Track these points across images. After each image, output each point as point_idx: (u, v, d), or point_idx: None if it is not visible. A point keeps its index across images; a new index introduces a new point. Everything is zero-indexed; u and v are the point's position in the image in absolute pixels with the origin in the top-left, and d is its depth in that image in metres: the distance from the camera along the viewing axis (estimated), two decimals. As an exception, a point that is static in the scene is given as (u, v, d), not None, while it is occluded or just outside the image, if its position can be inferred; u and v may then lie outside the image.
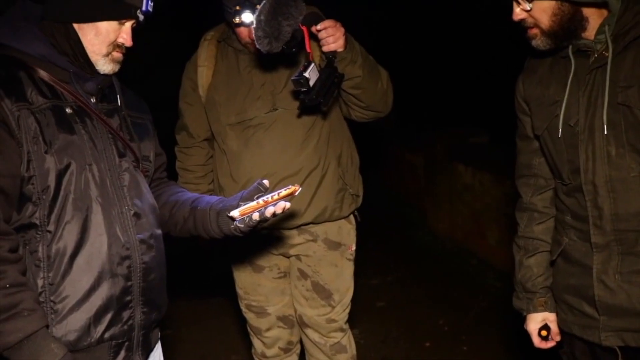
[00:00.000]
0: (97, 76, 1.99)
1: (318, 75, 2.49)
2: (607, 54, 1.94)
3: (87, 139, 1.92)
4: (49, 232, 1.84)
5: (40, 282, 1.83)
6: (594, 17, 1.96)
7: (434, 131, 7.00)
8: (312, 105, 2.55)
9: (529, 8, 1.97)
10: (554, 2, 1.94)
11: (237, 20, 2.67)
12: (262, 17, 2.32)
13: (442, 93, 8.79)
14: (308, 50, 2.53)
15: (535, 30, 2.01)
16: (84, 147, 1.91)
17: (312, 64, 2.48)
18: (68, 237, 1.85)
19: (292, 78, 2.49)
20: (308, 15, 2.47)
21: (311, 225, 2.94)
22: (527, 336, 2.37)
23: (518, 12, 2.00)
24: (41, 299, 1.83)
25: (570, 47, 2.03)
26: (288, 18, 2.35)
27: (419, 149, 7.40)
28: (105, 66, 1.97)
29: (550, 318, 2.29)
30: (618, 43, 1.93)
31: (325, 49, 2.58)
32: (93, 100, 1.99)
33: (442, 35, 9.17)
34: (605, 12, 1.96)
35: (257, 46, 2.37)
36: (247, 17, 2.63)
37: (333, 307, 3.04)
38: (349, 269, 3.08)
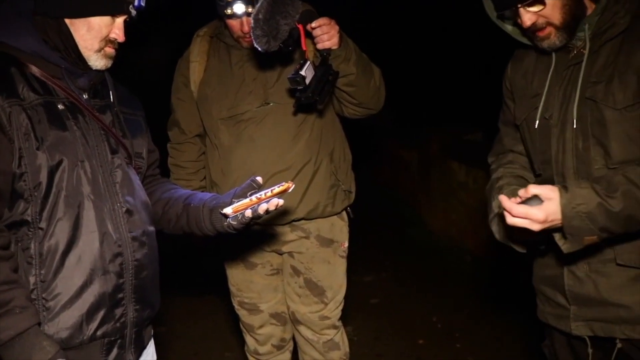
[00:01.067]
0: (89, 72, 1.98)
1: (314, 73, 2.49)
2: (584, 52, 1.98)
3: (79, 136, 1.91)
4: (41, 229, 1.83)
5: (32, 280, 1.82)
6: (589, 9, 2.00)
7: (429, 128, 7.00)
8: (308, 104, 2.55)
9: (546, 5, 1.95)
10: None
11: (229, 11, 2.67)
12: (260, 16, 2.32)
13: (437, 91, 8.80)
14: (304, 48, 2.53)
15: (548, 30, 2.00)
16: (76, 144, 1.89)
17: (308, 62, 2.49)
18: (60, 234, 1.85)
19: (288, 76, 2.49)
20: (304, 13, 2.47)
21: (303, 221, 2.94)
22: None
23: (529, 18, 1.98)
24: (33, 297, 1.82)
25: None
26: (286, 17, 2.34)
27: (413, 146, 7.40)
28: (97, 62, 1.96)
29: None
30: (595, 42, 1.97)
31: (319, 46, 2.58)
32: (85, 96, 1.97)
33: (437, 34, 9.17)
34: (594, 6, 2.00)
35: (255, 45, 2.38)
36: (239, 8, 2.64)
37: (326, 304, 3.04)
38: (341, 265, 3.08)
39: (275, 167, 2.84)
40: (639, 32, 1.91)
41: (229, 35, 2.86)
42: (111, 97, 2.07)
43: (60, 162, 1.85)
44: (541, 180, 2.15)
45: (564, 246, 1.88)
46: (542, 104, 2.08)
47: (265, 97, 2.83)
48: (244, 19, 2.68)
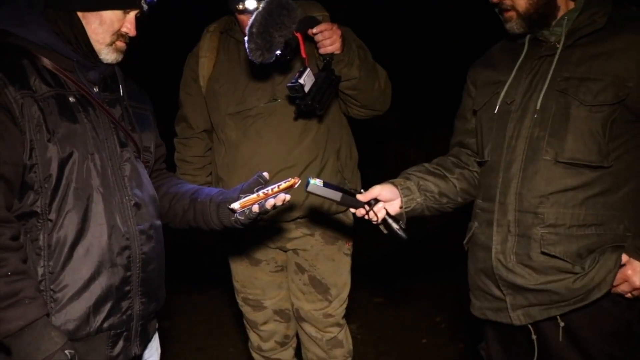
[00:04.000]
0: (100, 65, 1.99)
1: (314, 80, 2.51)
2: (558, 45, 2.05)
3: (90, 128, 1.92)
4: (50, 220, 1.84)
5: (40, 271, 1.84)
6: (562, 9, 2.08)
7: (437, 128, 7.00)
8: (308, 111, 2.56)
9: None
10: None
11: (240, 7, 2.67)
12: (253, 30, 2.34)
13: (446, 90, 8.79)
14: (303, 56, 2.54)
15: (511, 13, 2.09)
16: (87, 136, 1.91)
17: (308, 70, 2.50)
18: (69, 226, 1.86)
19: (287, 85, 2.51)
20: (303, 20, 2.48)
21: (309, 218, 2.94)
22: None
23: None
24: (41, 288, 1.83)
25: (528, 35, 2.14)
26: (280, 28, 2.36)
27: (420, 146, 7.41)
28: (108, 55, 1.98)
29: (385, 196, 2.27)
30: (570, 38, 2.04)
31: (322, 51, 2.59)
32: (96, 89, 1.99)
33: (442, 32, 9.17)
34: (572, 5, 2.08)
35: (250, 57, 2.40)
36: (251, 3, 2.64)
37: (330, 302, 3.05)
38: (346, 264, 3.08)
39: (282, 163, 2.84)
40: (618, 39, 1.98)
41: (239, 31, 2.87)
42: (121, 91, 2.09)
43: (70, 155, 1.87)
44: (486, 166, 2.21)
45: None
46: (505, 89, 2.15)
47: (273, 94, 2.84)
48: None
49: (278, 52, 2.42)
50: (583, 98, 1.97)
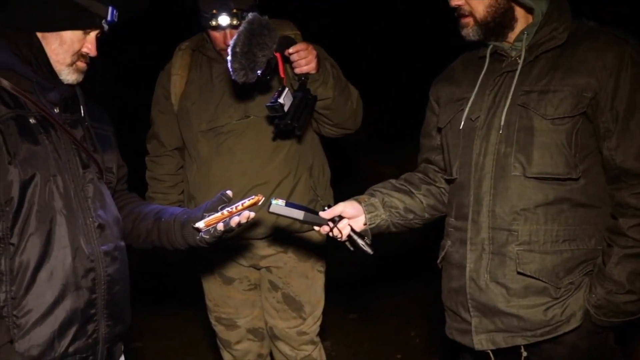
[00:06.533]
0: (60, 86, 1.97)
1: (292, 99, 2.51)
2: (519, 61, 2.06)
3: (52, 150, 1.90)
4: (12, 244, 1.82)
5: (2, 296, 1.81)
6: (520, 21, 2.09)
7: (409, 144, 7.02)
8: (287, 130, 2.56)
9: None
10: None
11: (213, 23, 2.68)
12: (237, 49, 2.34)
13: (417, 105, 8.82)
14: (282, 75, 2.55)
15: (468, 19, 2.09)
16: (48, 158, 1.88)
17: (286, 89, 2.51)
18: (31, 249, 1.83)
19: (267, 104, 2.51)
20: (281, 40, 2.49)
21: (281, 235, 2.93)
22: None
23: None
24: (3, 314, 1.80)
25: (489, 48, 2.13)
26: (263, 48, 2.37)
27: (391, 162, 7.43)
28: (69, 76, 1.96)
29: (349, 213, 2.25)
30: (531, 53, 2.05)
31: (297, 71, 2.59)
32: (56, 110, 1.97)
33: (418, 47, 9.23)
34: (530, 19, 2.07)
35: (233, 77, 2.41)
36: (224, 20, 2.66)
37: (304, 319, 3.03)
38: (320, 280, 3.07)
39: (254, 180, 2.83)
40: (578, 53, 1.99)
41: (211, 48, 2.87)
42: (82, 111, 2.07)
43: (32, 177, 1.84)
44: (456, 184, 2.20)
45: None
46: (469, 106, 2.14)
47: (246, 110, 2.83)
48: (228, 31, 2.69)
49: (259, 71, 2.43)
50: (544, 112, 1.97)
